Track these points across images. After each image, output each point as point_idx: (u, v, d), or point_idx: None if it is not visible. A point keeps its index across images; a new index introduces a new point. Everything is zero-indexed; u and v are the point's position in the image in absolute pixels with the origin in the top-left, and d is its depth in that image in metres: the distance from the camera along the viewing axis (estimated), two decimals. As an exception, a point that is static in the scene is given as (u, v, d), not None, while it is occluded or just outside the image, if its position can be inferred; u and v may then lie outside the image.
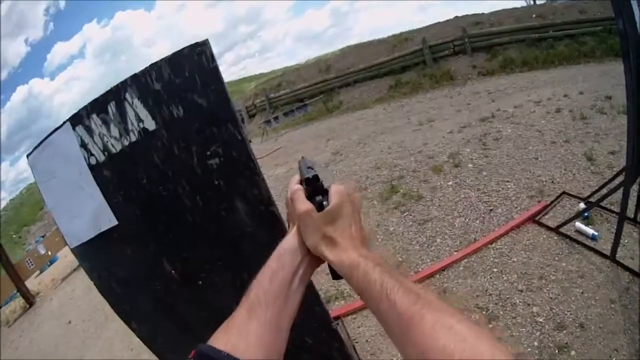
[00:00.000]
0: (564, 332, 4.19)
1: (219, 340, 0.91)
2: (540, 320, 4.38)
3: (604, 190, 5.51)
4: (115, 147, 2.13)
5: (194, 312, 2.37)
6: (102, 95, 2.12)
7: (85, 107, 2.16)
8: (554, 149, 7.98)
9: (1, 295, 18.63)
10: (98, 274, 2.47)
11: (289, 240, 1.11)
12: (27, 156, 2.37)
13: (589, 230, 5.30)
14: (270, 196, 2.13)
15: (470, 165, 8.52)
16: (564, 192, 6.40)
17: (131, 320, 2.50)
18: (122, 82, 2.07)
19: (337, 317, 5.37)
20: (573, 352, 4.02)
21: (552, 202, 6.27)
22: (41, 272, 20.01)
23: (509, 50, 18.20)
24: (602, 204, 5.45)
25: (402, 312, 0.74)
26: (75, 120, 2.17)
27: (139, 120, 2.07)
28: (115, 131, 2.11)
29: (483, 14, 21.97)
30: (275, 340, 0.96)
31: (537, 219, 5.98)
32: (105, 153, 2.16)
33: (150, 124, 2.07)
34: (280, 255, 1.09)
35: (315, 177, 1.14)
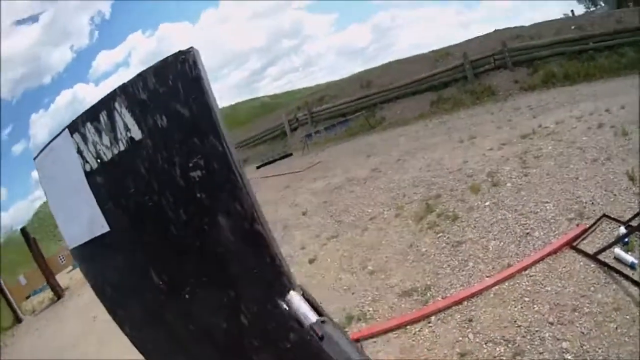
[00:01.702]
0: None
1: None
2: (569, 357, 4.19)
3: (647, 214, 5.28)
4: (107, 155, 2.15)
5: (182, 324, 2.32)
6: (95, 104, 2.16)
7: (81, 115, 2.20)
8: (595, 168, 7.68)
9: (31, 287, 19.12)
10: (93, 277, 2.51)
11: None
12: (34, 158, 2.42)
13: (629, 258, 5.05)
14: (256, 212, 2.01)
15: (509, 184, 8.28)
16: (604, 215, 6.12)
17: (124, 325, 2.50)
18: (112, 91, 2.09)
19: (357, 340, 5.37)
20: None
21: (591, 225, 6.01)
22: (74, 268, 20.48)
23: (550, 63, 17.87)
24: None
25: None
26: (73, 127, 2.21)
27: (127, 129, 2.08)
28: (106, 139, 2.13)
29: (523, 26, 21.80)
30: None
31: (574, 244, 5.73)
32: (98, 160, 2.19)
33: (136, 134, 2.06)
34: None
35: None
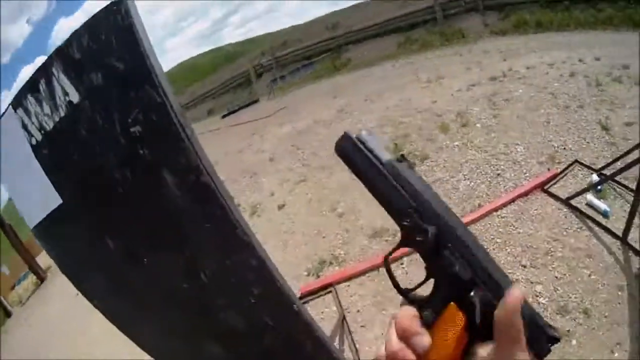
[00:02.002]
0: (567, 317, 4.01)
1: None
2: (543, 301, 4.19)
3: (619, 164, 5.20)
4: (49, 124, 2.06)
5: (145, 290, 2.26)
6: (33, 73, 2.06)
7: (21, 89, 2.10)
8: (567, 114, 7.63)
9: (14, 275, 18.83)
10: (56, 253, 2.40)
11: None
12: None
13: (602, 205, 5.05)
14: (201, 164, 1.88)
15: (478, 125, 8.22)
16: (576, 161, 6.08)
17: (92, 298, 2.40)
18: (49, 57, 2.00)
19: (330, 285, 5.36)
20: (574, 342, 3.85)
21: (563, 170, 5.99)
22: None
23: (522, 10, 17.66)
24: (617, 178, 5.11)
25: None
26: (15, 102, 2.13)
27: (65, 94, 1.98)
28: (47, 108, 2.04)
29: (498, -30, 21.43)
30: None
31: (546, 187, 5.70)
32: (42, 132, 2.10)
33: (74, 97, 1.96)
34: None
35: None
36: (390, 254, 0.81)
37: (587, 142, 6.54)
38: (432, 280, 0.74)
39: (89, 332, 7.65)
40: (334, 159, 8.70)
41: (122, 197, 2.01)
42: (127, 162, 1.94)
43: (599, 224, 4.86)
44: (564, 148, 6.55)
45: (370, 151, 0.76)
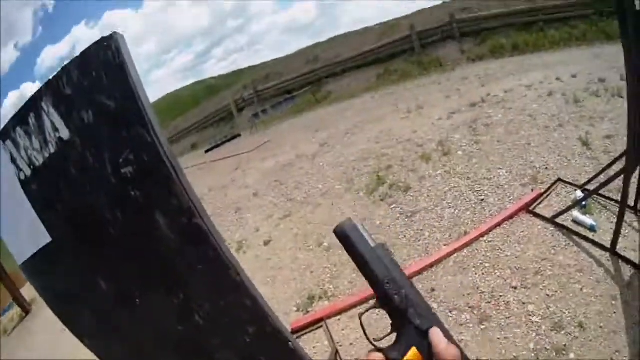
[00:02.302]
0: (562, 332, 3.96)
1: None
2: (537, 320, 4.14)
3: (602, 177, 5.22)
4: (38, 160, 1.99)
5: (137, 331, 2.16)
6: (23, 106, 1.99)
7: (10, 120, 2.03)
8: (547, 134, 7.68)
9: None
10: (44, 291, 2.32)
11: None
12: None
13: (588, 221, 5.03)
14: (193, 206, 1.84)
15: (460, 152, 8.23)
16: (559, 179, 6.09)
17: (83, 338, 2.30)
18: (38, 90, 1.93)
19: (321, 319, 5.28)
20: (572, 355, 3.80)
21: (546, 190, 5.98)
22: None
23: (498, 34, 17.98)
24: (601, 192, 5.12)
25: None
26: (4, 134, 2.05)
27: (55, 129, 1.92)
28: (36, 143, 1.97)
29: (472, -1, 21.74)
30: None
31: (531, 208, 5.69)
32: (31, 167, 2.02)
33: (65, 133, 1.90)
34: None
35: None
36: (363, 313, 1.09)
37: (569, 160, 6.57)
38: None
39: None
40: (318, 193, 8.67)
41: (114, 237, 1.97)
42: (119, 203, 1.91)
43: (586, 239, 4.85)
44: (546, 168, 6.57)
45: (365, 235, 1.06)
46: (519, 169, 6.83)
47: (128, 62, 1.78)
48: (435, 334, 0.88)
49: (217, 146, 23.52)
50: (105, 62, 1.77)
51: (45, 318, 12.40)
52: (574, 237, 4.94)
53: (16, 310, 15.53)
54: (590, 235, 4.90)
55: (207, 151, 23.39)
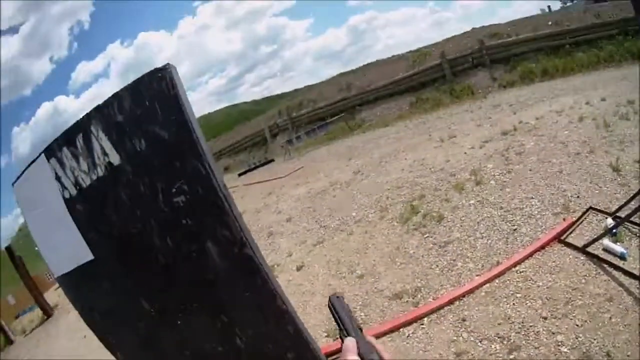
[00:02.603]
0: None
1: None
2: (565, 350, 4.14)
3: (633, 204, 5.27)
4: (85, 181, 2.06)
5: (176, 350, 2.26)
6: (70, 127, 2.06)
7: (56, 140, 2.10)
8: (578, 161, 7.71)
9: (20, 306, 18.86)
10: (81, 305, 2.43)
11: None
12: (13, 184, 2.34)
13: (618, 249, 5.04)
14: (244, 237, 1.94)
15: (492, 182, 8.28)
16: (590, 208, 6.10)
17: (116, 352, 2.44)
18: (87, 114, 2.00)
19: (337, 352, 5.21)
20: None
21: (578, 218, 5.99)
22: None
23: (527, 60, 18.04)
24: (632, 218, 5.15)
25: None
26: (49, 152, 2.12)
27: (105, 154, 1.98)
28: (84, 165, 2.03)
29: (500, 24, 21.95)
30: None
31: (563, 238, 5.70)
32: (77, 187, 2.09)
33: (115, 159, 1.96)
34: None
35: None
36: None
37: (600, 187, 6.59)
38: None
39: None
40: (351, 221, 8.76)
41: (162, 262, 2.03)
42: (169, 230, 1.97)
43: (616, 267, 4.85)
44: (578, 196, 6.58)
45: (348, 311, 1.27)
46: (551, 197, 6.84)
47: (182, 93, 1.83)
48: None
49: (251, 170, 23.83)
50: (159, 93, 1.83)
51: (66, 324, 12.59)
52: (604, 266, 4.95)
53: (37, 313, 15.77)
54: (620, 263, 4.90)
55: (240, 174, 23.64)
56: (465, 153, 10.60)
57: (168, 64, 1.81)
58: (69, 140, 2.04)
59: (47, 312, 15.24)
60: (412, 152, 12.71)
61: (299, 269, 8.24)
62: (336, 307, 1.28)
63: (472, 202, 7.80)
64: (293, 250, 9.23)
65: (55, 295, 17.52)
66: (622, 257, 4.97)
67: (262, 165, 24.03)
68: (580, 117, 9.75)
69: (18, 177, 2.29)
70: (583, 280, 4.89)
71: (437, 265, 6.33)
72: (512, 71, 18.12)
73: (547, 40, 18.06)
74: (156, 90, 1.82)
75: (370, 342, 1.17)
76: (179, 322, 2.14)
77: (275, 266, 8.71)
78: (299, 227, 10.33)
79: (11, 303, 20.01)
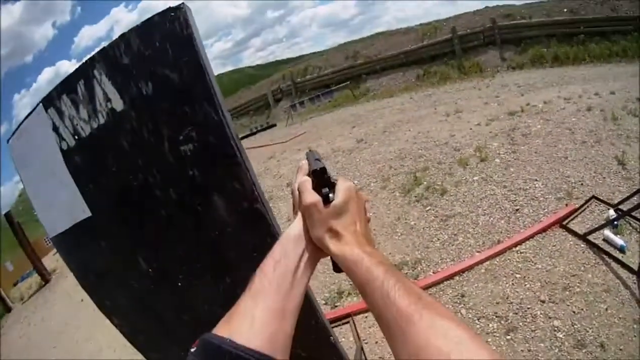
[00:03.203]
0: (584, 351, 4.03)
1: (222, 328, 0.91)
2: (561, 336, 4.22)
3: (635, 199, 5.35)
4: (85, 130, 1.94)
5: (174, 313, 2.21)
6: (72, 73, 1.92)
7: (56, 87, 1.97)
8: (584, 150, 7.76)
9: (18, 272, 18.90)
10: (76, 265, 2.35)
11: (293, 229, 1.12)
12: (7, 141, 2.23)
13: (618, 241, 5.12)
14: (256, 191, 1.81)
15: (497, 160, 8.34)
16: (593, 197, 6.18)
17: (111, 315, 2.39)
18: (90, 58, 1.85)
19: (348, 315, 5.30)
20: None
21: (581, 206, 6.07)
22: None
23: (539, 44, 18.00)
24: (634, 213, 5.23)
25: (401, 310, 0.75)
26: (47, 101, 2.00)
27: (107, 99, 1.85)
28: (84, 113, 1.91)
29: (514, 5, 21.76)
30: (281, 326, 0.95)
31: (564, 223, 5.79)
32: (76, 137, 1.97)
33: (118, 104, 1.83)
34: (283, 244, 1.09)
35: (324, 170, 1.15)
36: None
37: (604, 178, 6.65)
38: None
39: (94, 340, 7.73)
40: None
41: (164, 217, 1.93)
42: (174, 182, 1.85)
43: (615, 259, 4.93)
44: (582, 184, 6.65)
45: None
46: (555, 182, 6.91)
47: (196, 35, 1.69)
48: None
49: (253, 134, 23.68)
50: (171, 33, 1.69)
51: (64, 289, 12.61)
52: (604, 256, 5.03)
53: (35, 279, 15.83)
54: (619, 255, 4.97)
55: (241, 138, 23.11)
56: (470, 129, 10.64)
57: (183, 3, 1.68)
58: (70, 87, 1.91)
59: (45, 277, 15.37)
60: (417, 125, 12.76)
61: None
62: (308, 157, 1.33)
63: (475, 178, 7.88)
64: (293, 215, 9.13)
65: (53, 260, 17.55)
66: (621, 249, 5.04)
67: (264, 129, 24.07)
68: (589, 107, 9.76)
69: (13, 133, 2.18)
70: (582, 268, 4.96)
71: (438, 239, 6.40)
72: (523, 54, 18.08)
73: (560, 27, 17.97)
74: (168, 31, 1.70)
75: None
76: (179, 284, 2.07)
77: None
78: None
79: (10, 270, 20.08)
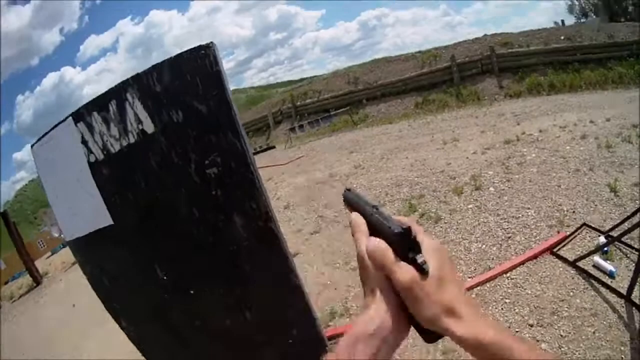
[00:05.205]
0: None
1: None
2: None
3: (626, 225, 5.41)
4: (115, 146, 2.11)
5: (185, 321, 2.32)
6: (104, 93, 2.09)
7: (87, 104, 2.15)
8: (577, 178, 7.86)
9: (9, 271, 18.92)
10: (90, 268, 2.50)
11: (383, 317, 0.81)
12: (31, 146, 2.35)
13: (607, 266, 5.17)
14: (270, 211, 2.03)
15: (491, 188, 8.42)
16: (584, 224, 6.25)
17: (120, 319, 2.51)
18: (123, 81, 2.02)
19: (340, 334, 5.29)
20: None
21: (571, 233, 6.13)
22: (53, 254, 20.59)
23: (536, 72, 18.14)
24: (624, 239, 5.29)
25: None
26: (78, 116, 2.15)
27: (139, 121, 2.03)
28: (114, 130, 2.08)
29: (512, 33, 21.93)
30: None
31: (555, 250, 5.84)
32: (105, 152, 2.14)
33: (149, 127, 2.02)
34: (376, 337, 0.80)
35: (409, 231, 0.82)
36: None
37: (596, 205, 6.72)
38: None
39: (84, 346, 7.66)
40: (348, 214, 9.02)
41: (185, 231, 2.09)
42: (198, 200, 2.04)
43: (604, 284, 4.97)
44: (573, 211, 6.71)
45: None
46: (547, 210, 6.97)
47: (223, 72, 1.93)
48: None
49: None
50: (202, 69, 1.90)
51: (55, 292, 12.56)
52: (593, 282, 5.07)
53: (26, 280, 15.81)
54: (608, 281, 5.02)
55: None
56: (467, 158, 10.76)
57: (212, 42, 1.86)
58: (102, 105, 2.08)
59: (37, 279, 15.30)
60: (414, 152, 12.87)
61: (293, 256, 8.21)
62: (350, 201, 1.08)
63: (470, 206, 7.94)
64: (289, 237, 8.99)
65: (45, 264, 17.63)
66: (610, 275, 5.09)
67: (264, 150, 24.11)
68: (583, 135, 9.90)
69: (39, 139, 2.31)
70: (571, 293, 5.00)
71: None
72: (520, 82, 18.22)
73: (557, 55, 18.18)
74: (199, 66, 1.90)
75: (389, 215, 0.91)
76: (191, 292, 2.20)
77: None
78: (296, 215, 10.40)
79: (1, 268, 20.11)
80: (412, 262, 0.80)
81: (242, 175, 1.95)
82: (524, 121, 13.03)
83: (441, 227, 7.51)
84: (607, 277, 5.13)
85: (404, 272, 0.80)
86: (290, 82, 46.86)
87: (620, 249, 5.56)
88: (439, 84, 21.27)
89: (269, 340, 2.25)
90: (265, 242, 2.02)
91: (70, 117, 2.15)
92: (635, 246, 5.33)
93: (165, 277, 2.22)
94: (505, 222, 7.02)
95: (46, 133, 2.26)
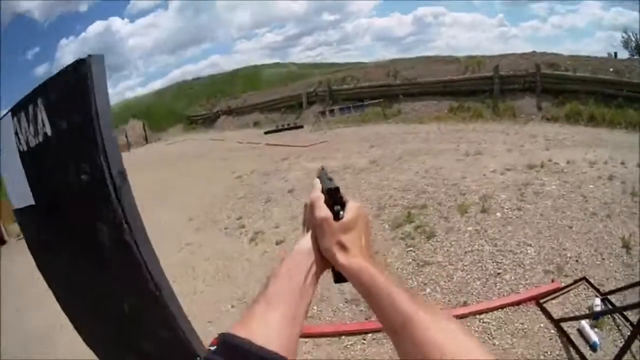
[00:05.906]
0: None
1: (239, 329, 0.89)
2: None
3: (628, 292, 4.88)
4: (32, 143, 2.32)
5: (81, 290, 2.58)
6: (29, 94, 2.28)
7: (20, 102, 2.33)
8: (591, 222, 7.21)
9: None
10: (27, 236, 2.87)
11: (305, 243, 1.16)
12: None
13: (592, 336, 4.56)
14: (125, 224, 2.06)
15: (498, 214, 7.89)
16: (584, 278, 5.64)
17: (50, 281, 2.81)
18: (40, 85, 2.21)
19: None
20: None
21: (567, 286, 5.55)
22: None
23: (578, 99, 17.58)
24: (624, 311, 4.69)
25: (404, 311, 0.84)
26: (14, 111, 2.39)
27: (43, 125, 2.22)
28: (31, 129, 2.30)
29: (561, 55, 21.62)
30: (292, 332, 0.96)
31: (542, 301, 5.29)
32: (27, 145, 2.38)
33: (49, 131, 2.20)
34: (296, 255, 1.13)
35: (337, 189, 1.20)
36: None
37: (603, 259, 6.12)
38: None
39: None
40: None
41: (69, 222, 2.33)
42: (77, 202, 2.20)
43: (582, 356, 4.40)
44: (577, 260, 6.14)
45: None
46: (549, 252, 6.42)
47: (96, 85, 1.98)
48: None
49: (278, 130, 24.48)
50: (75, 82, 2.01)
51: (19, 251, 12.44)
52: (571, 350, 4.52)
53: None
54: (588, 353, 4.44)
55: (266, 132, 24.25)
56: (484, 175, 10.24)
57: (89, 56, 1.99)
58: (25, 106, 2.29)
59: (3, 239, 15.30)
60: (434, 158, 12.50)
61: (278, 243, 8.19)
62: (320, 175, 1.44)
63: (469, 228, 7.48)
64: (282, 222, 9.23)
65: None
66: (593, 347, 4.49)
67: (290, 129, 24.54)
68: (611, 176, 9.22)
69: (3, 116, 2.54)
70: (542, 356, 4.51)
71: (407, 284, 6.02)
72: (560, 106, 17.69)
73: (603, 86, 17.47)
74: (72, 80, 2.02)
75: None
76: (78, 268, 2.47)
77: (259, 234, 8.81)
78: (297, 201, 10.32)
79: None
80: (332, 210, 1.15)
81: (100, 188, 2.04)
82: (554, 148, 12.45)
83: (431, 244, 7.09)
84: (588, 348, 4.52)
85: (322, 211, 1.15)
86: (334, 65, 46.87)
87: (614, 318, 4.94)
88: (477, 92, 20.76)
89: (144, 335, 2.40)
90: (122, 252, 2.09)
91: (10, 111, 2.42)
92: (631, 319, 4.69)
93: (66, 252, 2.50)
94: (500, 254, 6.51)
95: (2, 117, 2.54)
